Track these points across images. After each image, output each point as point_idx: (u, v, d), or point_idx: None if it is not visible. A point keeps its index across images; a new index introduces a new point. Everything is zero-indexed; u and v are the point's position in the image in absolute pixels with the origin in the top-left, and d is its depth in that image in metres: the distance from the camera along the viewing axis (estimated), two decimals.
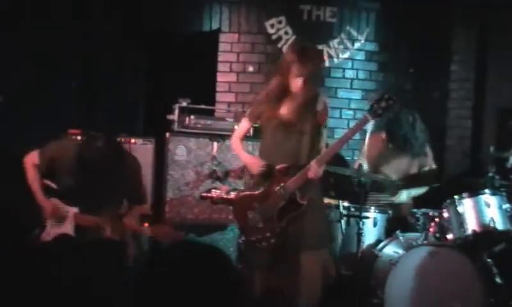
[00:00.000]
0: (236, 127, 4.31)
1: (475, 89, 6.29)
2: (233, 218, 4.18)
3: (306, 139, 3.97)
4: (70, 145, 4.18)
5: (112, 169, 4.02)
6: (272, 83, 3.99)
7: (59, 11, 5.53)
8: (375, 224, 4.79)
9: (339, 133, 5.95)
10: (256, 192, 3.96)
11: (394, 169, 5.20)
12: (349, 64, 6.32)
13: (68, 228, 4.02)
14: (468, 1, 6.23)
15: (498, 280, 4.36)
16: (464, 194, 4.53)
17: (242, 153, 4.11)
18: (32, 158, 4.10)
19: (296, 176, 3.86)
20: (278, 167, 3.90)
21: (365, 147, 5.28)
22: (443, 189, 4.99)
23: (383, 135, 5.26)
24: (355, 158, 5.48)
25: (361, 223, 4.65)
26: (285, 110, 3.94)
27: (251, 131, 4.42)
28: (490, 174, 4.80)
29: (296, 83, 3.86)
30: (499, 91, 6.08)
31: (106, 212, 3.97)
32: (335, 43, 6.26)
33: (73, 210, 4.03)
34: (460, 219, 4.50)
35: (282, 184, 3.88)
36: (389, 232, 4.76)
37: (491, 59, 6.21)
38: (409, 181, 5.16)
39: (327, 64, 6.21)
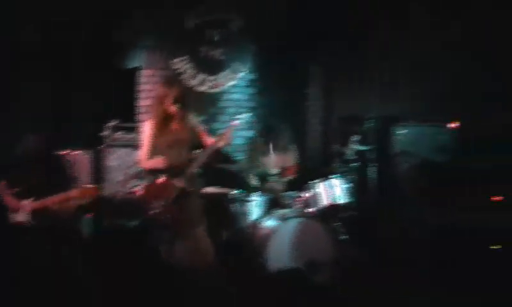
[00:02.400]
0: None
1: (324, 105, 6.71)
2: (141, 204, 4.15)
3: (187, 147, 4.14)
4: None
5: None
6: (159, 110, 4.07)
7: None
8: (258, 205, 5.02)
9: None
10: (157, 184, 4.08)
11: (274, 164, 5.27)
12: (236, 89, 6.52)
13: (22, 217, 4.01)
14: (319, 45, 6.50)
15: (343, 237, 4.89)
16: (319, 179, 4.94)
17: (149, 162, 4.11)
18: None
19: (185, 172, 4.06)
20: (173, 166, 4.04)
21: (251, 151, 5.42)
22: (305, 176, 5.16)
23: (265, 141, 5.30)
24: (242, 159, 5.71)
25: (248, 205, 4.97)
26: (173, 125, 4.10)
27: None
28: (335, 164, 5.34)
29: (172, 108, 4.03)
30: (339, 107, 6.55)
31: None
32: (225, 74, 6.48)
33: (27, 201, 4.04)
34: (317, 196, 4.88)
35: (176, 178, 4.04)
36: (269, 210, 4.97)
37: (335, 85, 6.67)
38: (284, 172, 5.29)
39: (220, 90, 6.45)
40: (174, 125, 4.11)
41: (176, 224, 4.03)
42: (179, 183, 4.03)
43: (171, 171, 4.04)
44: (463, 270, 4.41)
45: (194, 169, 4.10)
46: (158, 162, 4.09)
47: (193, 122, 4.21)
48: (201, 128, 4.31)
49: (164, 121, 4.09)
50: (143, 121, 4.26)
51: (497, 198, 4.81)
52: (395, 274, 4.56)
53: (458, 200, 4.92)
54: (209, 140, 4.22)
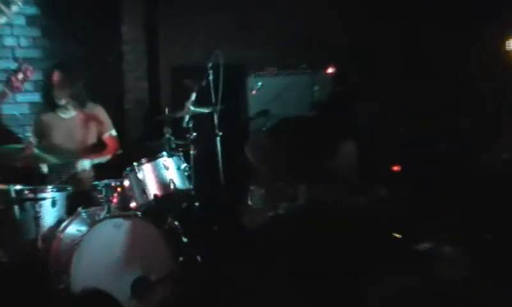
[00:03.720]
0: None
1: (148, 49, 6.05)
2: None
3: None
4: None
5: None
6: None
7: None
8: (54, 204, 4.28)
9: None
10: None
11: (75, 141, 4.78)
12: (8, 31, 5.44)
13: None
14: None
15: (184, 239, 4.45)
16: (143, 160, 4.41)
17: None
18: None
19: None
20: None
21: (37, 124, 4.81)
22: (124, 156, 4.77)
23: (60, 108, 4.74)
24: (27, 135, 4.99)
25: (37, 206, 4.14)
26: None
27: None
28: (167, 136, 4.70)
29: None
30: (171, 50, 5.99)
31: None
32: None
33: None
34: (141, 185, 4.36)
35: None
36: (71, 210, 4.32)
37: (161, 20, 6.00)
38: (89, 150, 4.81)
39: None
40: None
41: None
42: None
43: None
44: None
45: None
46: None
47: None
48: None
49: None
50: None
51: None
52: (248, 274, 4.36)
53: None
54: None
